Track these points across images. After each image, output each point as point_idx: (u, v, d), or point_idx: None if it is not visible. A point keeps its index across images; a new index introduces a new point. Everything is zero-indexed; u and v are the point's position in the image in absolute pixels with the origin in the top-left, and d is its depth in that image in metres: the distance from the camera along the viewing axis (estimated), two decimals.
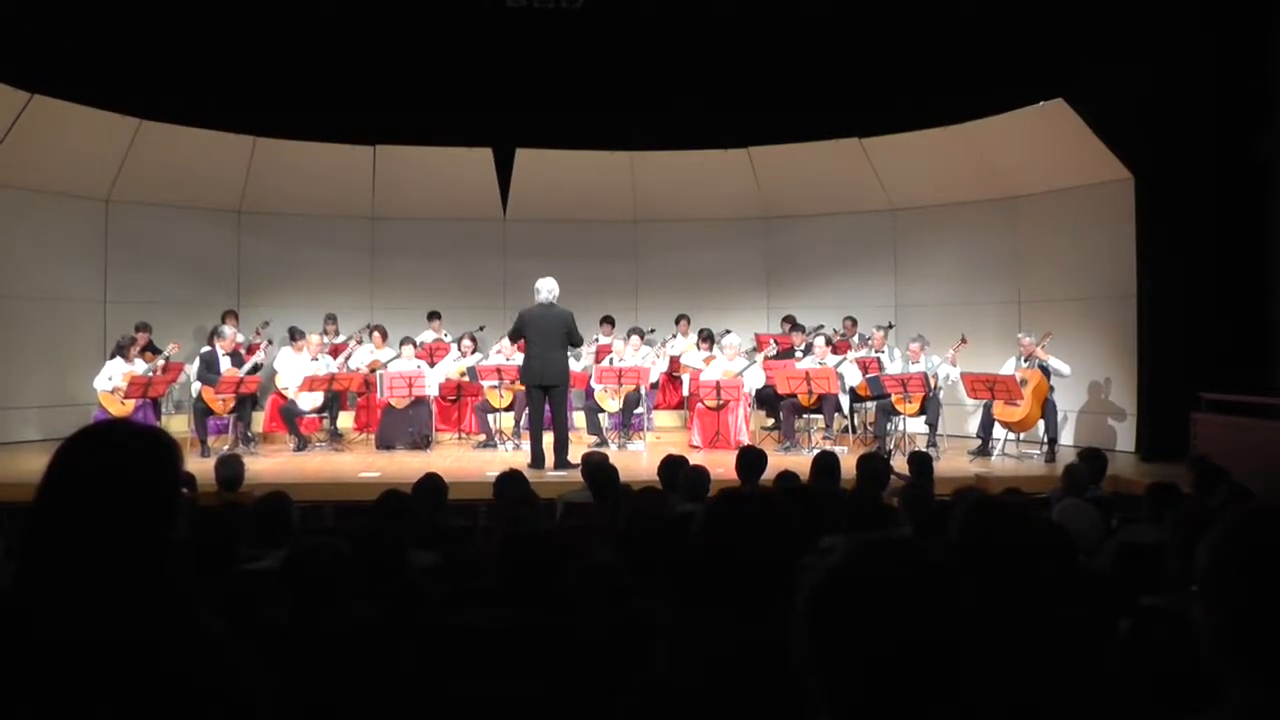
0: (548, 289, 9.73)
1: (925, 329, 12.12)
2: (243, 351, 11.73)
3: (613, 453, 9.80)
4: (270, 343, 12.54)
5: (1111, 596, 3.64)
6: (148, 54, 11.26)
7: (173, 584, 1.55)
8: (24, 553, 1.53)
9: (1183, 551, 3.70)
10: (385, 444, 11.38)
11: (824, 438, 11.52)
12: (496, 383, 11.49)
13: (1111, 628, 3.01)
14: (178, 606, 1.52)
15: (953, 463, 10.28)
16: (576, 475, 7.72)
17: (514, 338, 10.10)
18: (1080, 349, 11.20)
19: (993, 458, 10.67)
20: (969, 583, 1.36)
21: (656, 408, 13.31)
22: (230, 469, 6.76)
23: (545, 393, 9.73)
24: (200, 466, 7.18)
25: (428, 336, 13.36)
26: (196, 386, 11.07)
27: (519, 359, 10.54)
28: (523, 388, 10.53)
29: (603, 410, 11.82)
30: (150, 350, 11.66)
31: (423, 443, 11.37)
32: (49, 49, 10.81)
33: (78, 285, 12.42)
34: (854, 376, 11.62)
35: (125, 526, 1.53)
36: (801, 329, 13.00)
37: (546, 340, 9.64)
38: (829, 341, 12.08)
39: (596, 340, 13.22)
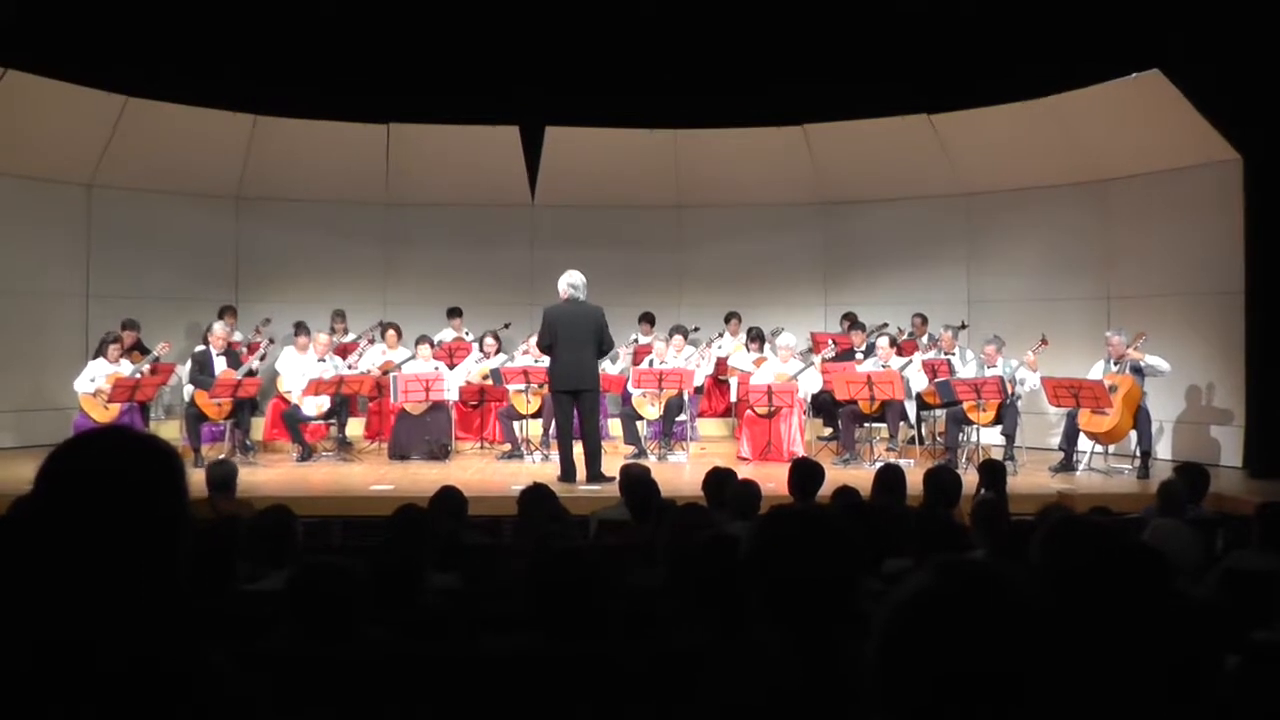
0: (576, 283, 9.73)
1: (1002, 328, 12.04)
2: (241, 351, 11.80)
3: (652, 464, 9.72)
4: (271, 341, 12.60)
5: (1217, 630, 3.61)
6: (135, 24, 11.27)
7: (183, 611, 1.55)
8: (9, 572, 1.53)
9: None
10: (399, 454, 11.43)
11: (888, 449, 11.48)
12: (523, 386, 11.48)
13: (1217, 665, 2.98)
14: (187, 635, 1.51)
15: (1033, 478, 10.20)
16: (612, 489, 7.75)
17: (546, 347, 9.82)
18: (1179, 350, 11.05)
19: (1078, 473, 10.58)
20: (1054, 612, 1.36)
21: (701, 415, 13.30)
22: (221, 470, 6.78)
23: (574, 398, 9.74)
24: (193, 477, 7.23)
25: (447, 335, 13.41)
26: (189, 390, 11.15)
27: (548, 360, 10.54)
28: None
29: (641, 417, 11.82)
30: (137, 350, 11.76)
31: (441, 452, 11.41)
32: (24, 19, 10.82)
33: (57, 279, 12.57)
34: (921, 381, 11.57)
35: (131, 545, 1.52)
36: (863, 328, 12.94)
37: (575, 340, 9.61)
38: (893, 342, 12.04)
39: (635, 340, 13.22)
